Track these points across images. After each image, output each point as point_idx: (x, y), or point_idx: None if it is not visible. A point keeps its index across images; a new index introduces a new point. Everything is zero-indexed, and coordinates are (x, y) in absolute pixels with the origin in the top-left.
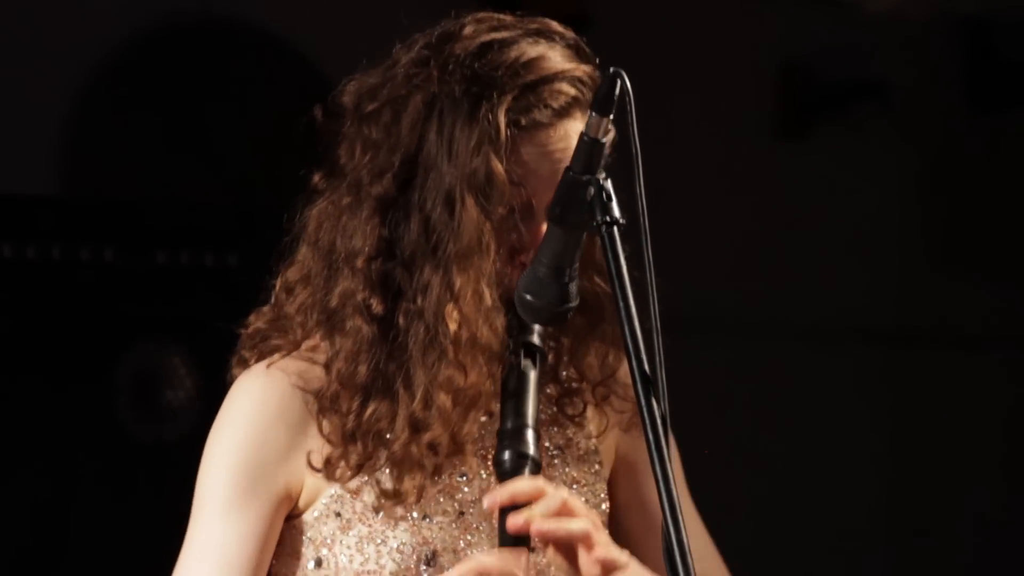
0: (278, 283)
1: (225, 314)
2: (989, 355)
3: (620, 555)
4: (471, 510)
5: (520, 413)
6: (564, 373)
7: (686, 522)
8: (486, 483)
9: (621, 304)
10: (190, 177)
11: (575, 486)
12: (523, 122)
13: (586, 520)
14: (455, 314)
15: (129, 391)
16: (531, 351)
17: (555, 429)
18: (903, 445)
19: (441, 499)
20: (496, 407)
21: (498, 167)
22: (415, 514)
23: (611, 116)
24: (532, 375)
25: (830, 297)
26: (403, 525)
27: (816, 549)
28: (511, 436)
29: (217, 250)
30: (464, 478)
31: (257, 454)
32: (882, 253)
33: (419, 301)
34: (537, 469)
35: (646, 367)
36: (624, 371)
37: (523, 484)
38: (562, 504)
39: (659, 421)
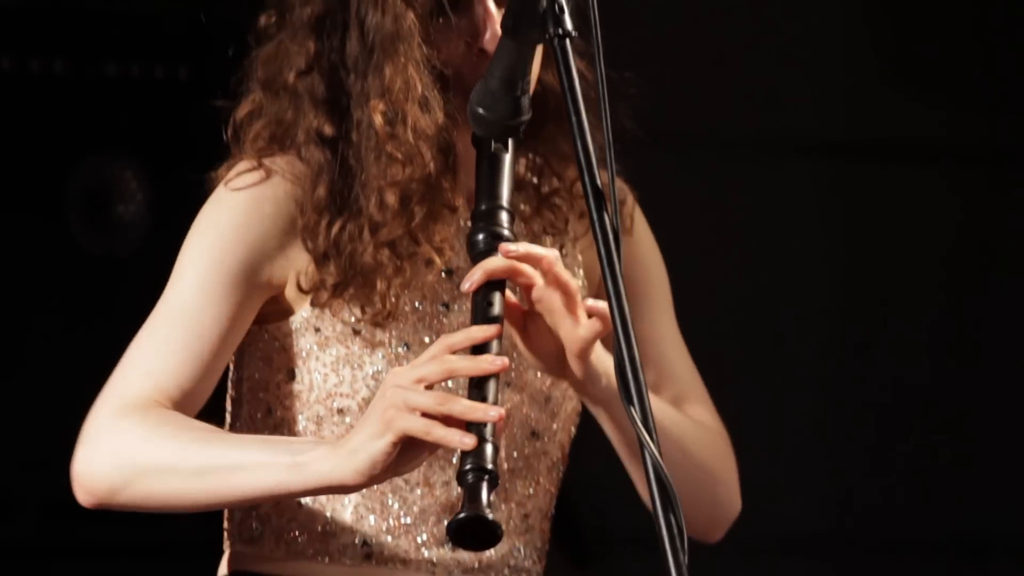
0: (229, 127)
1: (175, 128)
2: (940, 168)
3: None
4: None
5: (493, 195)
6: (546, 187)
7: (669, 346)
8: (467, 315)
9: (573, 118)
10: None
11: None
12: None
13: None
14: (381, 106)
15: (80, 205)
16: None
17: None
18: (856, 258)
19: (420, 328)
20: (460, 203)
21: None
22: (394, 342)
23: None
24: (506, 157)
25: (780, 110)
26: (381, 352)
27: (771, 356)
28: (484, 217)
29: (167, 63)
30: (445, 307)
31: (249, 243)
32: (832, 66)
33: (364, 109)
34: None
35: (598, 181)
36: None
37: (496, 261)
38: (542, 259)
39: (611, 234)
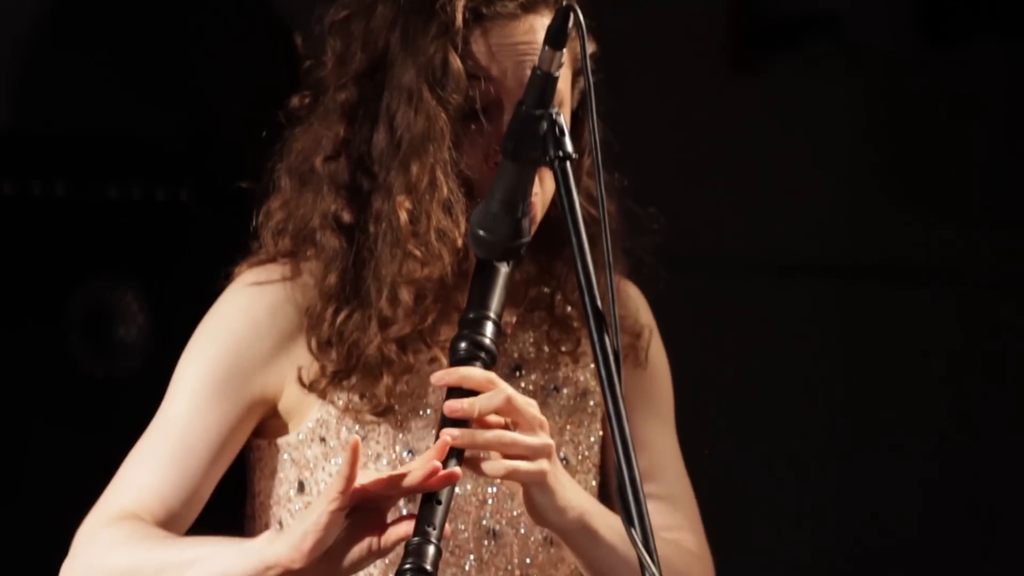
0: (261, 215)
1: (176, 249)
2: (941, 290)
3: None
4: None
5: (484, 304)
6: (562, 308)
7: (667, 458)
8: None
9: (574, 239)
10: (141, 111)
11: (569, 426)
12: (484, 12)
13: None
14: (407, 203)
15: (81, 327)
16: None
17: (550, 367)
18: (857, 380)
19: (425, 435)
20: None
21: (453, 56)
22: (399, 447)
23: (564, 50)
24: (503, 269)
25: (783, 232)
26: (385, 458)
27: (770, 479)
28: (470, 325)
29: (168, 185)
30: None
31: (239, 353)
32: (835, 188)
33: (385, 201)
34: (492, 360)
35: (598, 302)
36: (619, 298)
37: (476, 372)
38: (506, 401)
39: (611, 356)
